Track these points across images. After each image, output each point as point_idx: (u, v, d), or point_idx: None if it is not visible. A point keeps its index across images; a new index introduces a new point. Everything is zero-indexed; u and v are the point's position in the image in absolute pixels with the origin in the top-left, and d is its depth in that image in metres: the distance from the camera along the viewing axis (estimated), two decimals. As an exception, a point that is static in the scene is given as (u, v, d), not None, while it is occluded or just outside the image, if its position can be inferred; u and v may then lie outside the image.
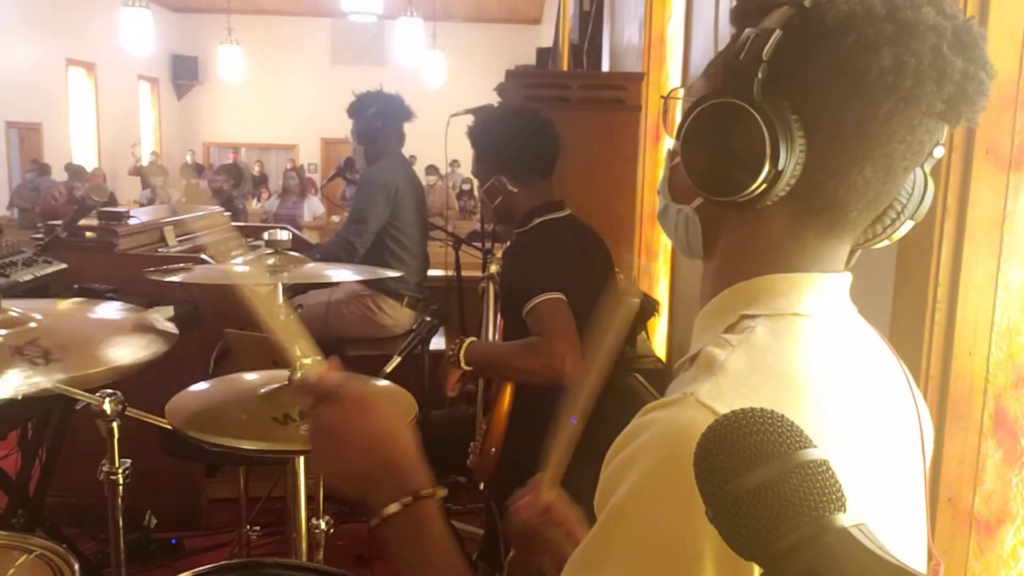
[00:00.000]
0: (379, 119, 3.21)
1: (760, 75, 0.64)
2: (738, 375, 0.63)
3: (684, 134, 0.68)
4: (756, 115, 0.64)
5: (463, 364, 1.98)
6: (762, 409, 0.47)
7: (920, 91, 0.62)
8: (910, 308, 1.26)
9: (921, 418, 0.76)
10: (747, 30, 0.66)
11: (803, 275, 0.70)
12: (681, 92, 0.80)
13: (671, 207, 0.76)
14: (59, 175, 9.79)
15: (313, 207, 8.00)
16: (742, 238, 0.71)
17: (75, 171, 9.66)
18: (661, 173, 0.79)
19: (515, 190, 2.06)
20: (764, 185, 0.65)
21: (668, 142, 0.82)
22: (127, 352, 1.39)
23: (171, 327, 1.56)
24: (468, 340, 2.01)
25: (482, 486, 2.03)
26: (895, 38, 0.62)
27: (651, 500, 0.60)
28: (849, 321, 0.73)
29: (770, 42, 0.64)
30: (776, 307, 0.68)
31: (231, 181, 7.98)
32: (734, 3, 0.72)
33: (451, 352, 2.00)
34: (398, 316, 3.18)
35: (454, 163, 10.71)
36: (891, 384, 0.74)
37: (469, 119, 3.10)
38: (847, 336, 0.72)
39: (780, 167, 0.64)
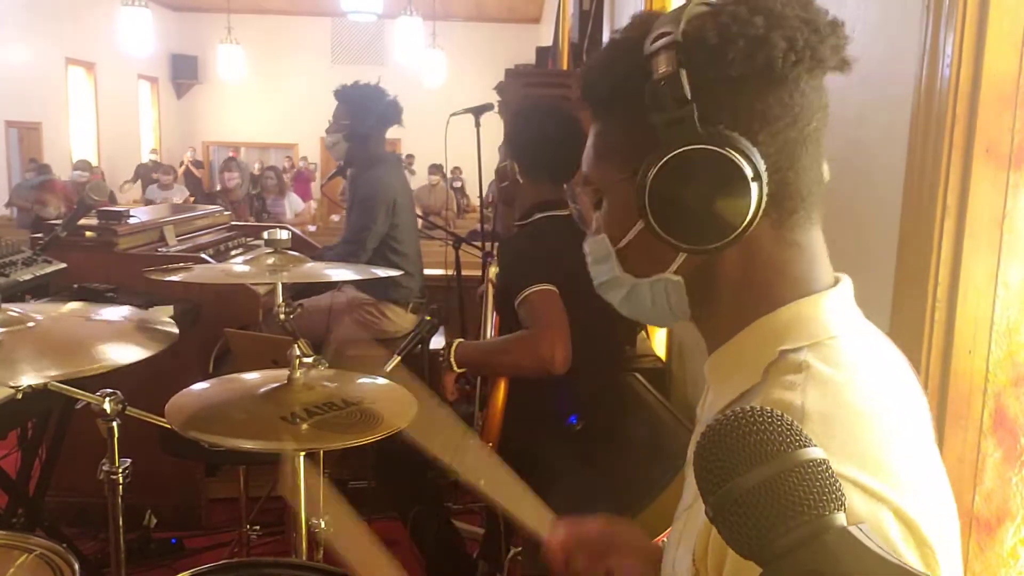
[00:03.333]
0: (378, 125, 3.12)
1: (695, 114, 0.65)
2: (825, 418, 0.62)
3: (651, 204, 0.67)
4: (717, 150, 0.64)
5: (454, 366, 1.98)
6: (761, 408, 0.47)
7: (817, 53, 0.66)
8: (910, 307, 1.26)
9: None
10: (650, 84, 0.66)
11: (819, 296, 0.70)
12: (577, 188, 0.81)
13: (641, 285, 0.73)
14: (61, 174, 9.80)
15: (294, 204, 8.00)
16: (740, 270, 0.70)
17: (85, 167, 9.69)
18: (595, 266, 0.77)
19: (521, 180, 2.07)
20: (759, 207, 0.65)
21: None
22: (126, 351, 1.39)
23: (171, 323, 1.56)
24: (456, 341, 2.01)
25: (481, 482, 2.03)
26: (772, 24, 0.65)
27: None
28: (865, 329, 0.74)
29: (684, 80, 0.65)
30: (812, 334, 0.68)
31: (246, 177, 7.88)
32: (593, 80, 0.73)
33: (441, 356, 2.00)
34: (402, 322, 3.15)
35: (455, 170, 10.69)
36: (912, 382, 0.75)
37: (469, 118, 3.10)
38: (873, 346, 0.72)
39: (763, 181, 0.65)
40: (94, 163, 11.57)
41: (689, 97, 0.65)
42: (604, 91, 0.73)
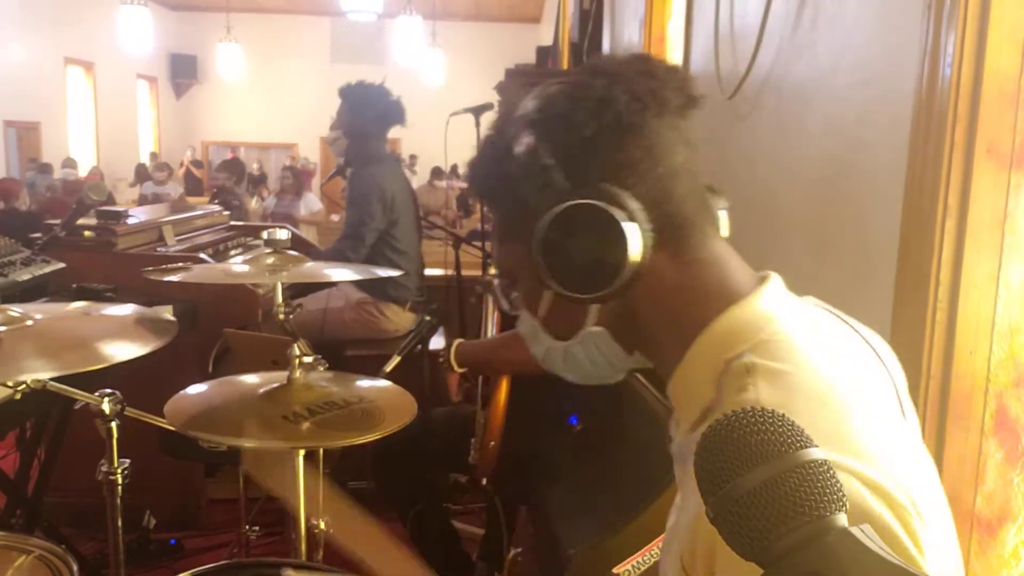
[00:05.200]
0: (375, 124, 3.13)
1: (563, 173, 0.71)
2: (780, 407, 0.62)
3: (547, 268, 0.71)
4: (585, 201, 0.69)
5: (455, 367, 1.98)
6: (763, 409, 0.47)
7: (659, 97, 0.72)
8: (911, 307, 1.26)
9: (884, 359, 0.78)
10: (512, 160, 0.73)
11: (749, 299, 0.72)
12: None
13: (572, 347, 0.78)
14: (59, 173, 9.82)
15: (310, 204, 7.96)
16: (654, 303, 0.74)
17: (71, 165, 9.70)
18: (534, 344, 0.81)
19: None
20: (649, 243, 0.70)
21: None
22: (127, 347, 1.38)
23: (170, 315, 1.55)
24: (456, 342, 2.01)
25: (484, 482, 2.03)
26: (612, 81, 0.71)
27: None
28: (806, 314, 0.76)
29: (542, 150, 0.71)
30: (749, 337, 0.70)
31: (232, 178, 7.93)
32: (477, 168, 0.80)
33: (442, 358, 1.99)
34: (401, 321, 3.15)
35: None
36: (855, 345, 0.77)
37: (469, 118, 3.09)
38: (814, 329, 0.74)
39: (641, 223, 0.70)
40: (93, 162, 11.59)
41: (550, 163, 0.71)
42: (485, 183, 0.80)
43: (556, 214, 0.70)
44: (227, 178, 8.07)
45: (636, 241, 0.69)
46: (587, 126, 0.71)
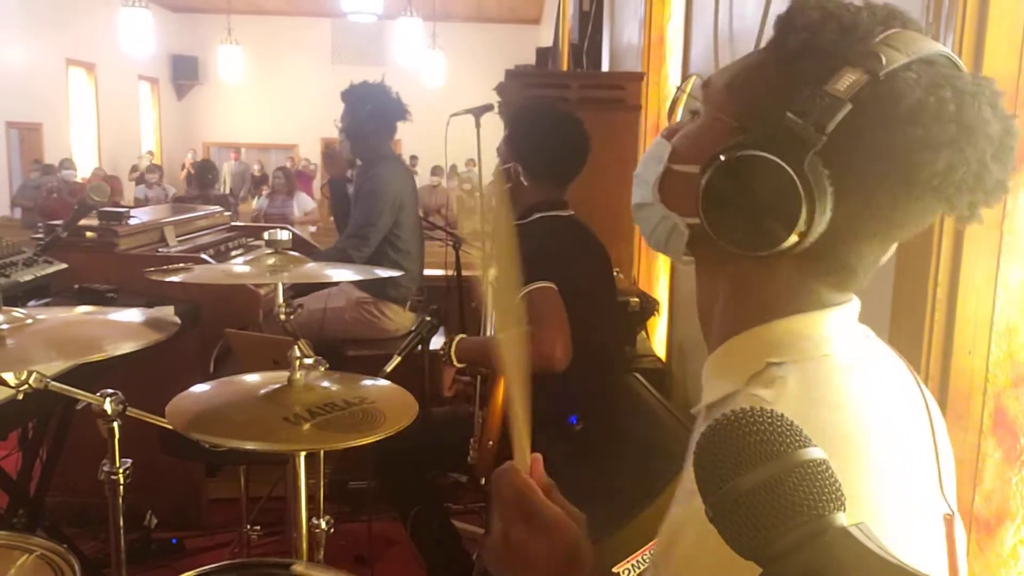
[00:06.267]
0: (373, 120, 3.12)
1: (817, 147, 0.62)
2: None
3: (717, 171, 0.65)
4: (800, 187, 0.62)
5: (454, 361, 1.99)
6: (761, 408, 0.47)
7: (958, 199, 0.64)
8: (910, 307, 1.26)
9: (934, 424, 0.75)
10: (817, 91, 0.63)
11: (821, 313, 0.69)
12: (693, 82, 0.77)
13: (657, 208, 0.74)
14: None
15: (303, 204, 7.99)
16: (749, 280, 0.70)
17: (69, 166, 9.71)
18: (645, 161, 0.76)
19: (525, 183, 2.07)
20: (787, 250, 0.65)
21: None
22: (128, 341, 1.37)
23: (171, 316, 1.55)
24: (458, 337, 2.01)
25: (483, 482, 2.03)
26: (955, 141, 0.61)
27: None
28: (866, 346, 0.73)
29: (837, 118, 0.62)
30: (802, 351, 0.68)
31: (195, 180, 7.90)
32: (792, 20, 0.68)
33: (443, 351, 2.00)
34: (401, 320, 3.15)
35: (470, 162, 10.63)
36: (909, 398, 0.74)
37: (469, 119, 3.10)
38: (869, 364, 0.71)
39: (807, 239, 0.64)
40: (95, 164, 11.59)
41: (827, 132, 0.62)
42: (794, 39, 0.67)
43: (771, 162, 0.62)
44: (191, 176, 8.02)
45: (784, 247, 0.64)
46: (892, 144, 0.62)
